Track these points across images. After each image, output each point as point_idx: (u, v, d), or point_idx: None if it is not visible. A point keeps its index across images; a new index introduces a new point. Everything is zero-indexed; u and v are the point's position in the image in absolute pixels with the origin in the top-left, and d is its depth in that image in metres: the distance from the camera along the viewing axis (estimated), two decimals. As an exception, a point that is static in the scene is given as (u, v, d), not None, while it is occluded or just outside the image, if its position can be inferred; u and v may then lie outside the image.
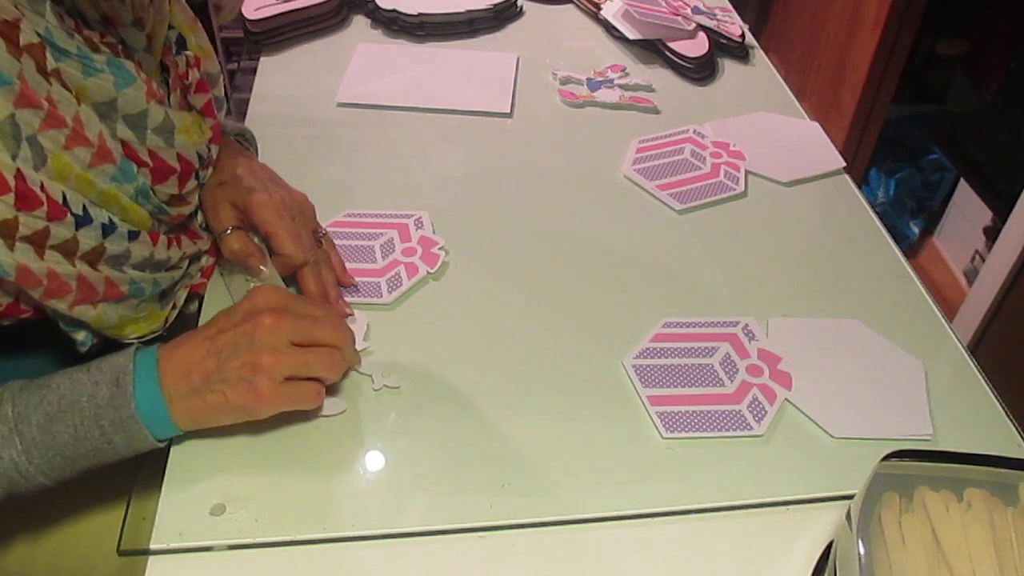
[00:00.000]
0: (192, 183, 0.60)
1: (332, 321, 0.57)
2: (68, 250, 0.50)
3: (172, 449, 0.54)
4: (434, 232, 0.74)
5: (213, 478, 0.53)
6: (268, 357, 0.51)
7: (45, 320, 0.53)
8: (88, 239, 0.51)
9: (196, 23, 0.63)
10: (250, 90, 0.96)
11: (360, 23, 1.11)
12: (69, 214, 0.49)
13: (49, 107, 0.47)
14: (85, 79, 0.50)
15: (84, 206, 0.51)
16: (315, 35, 1.06)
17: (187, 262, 0.64)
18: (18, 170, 0.46)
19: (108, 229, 0.52)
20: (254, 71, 0.99)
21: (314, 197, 0.70)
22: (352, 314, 0.66)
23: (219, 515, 0.51)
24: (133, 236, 0.55)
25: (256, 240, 0.65)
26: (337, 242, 0.71)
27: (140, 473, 0.54)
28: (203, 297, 0.67)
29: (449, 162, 0.86)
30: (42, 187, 0.47)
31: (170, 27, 0.60)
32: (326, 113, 0.92)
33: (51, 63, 0.48)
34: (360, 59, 1.01)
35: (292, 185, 0.70)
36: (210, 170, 0.65)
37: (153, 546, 0.49)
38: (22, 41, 0.46)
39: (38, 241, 0.48)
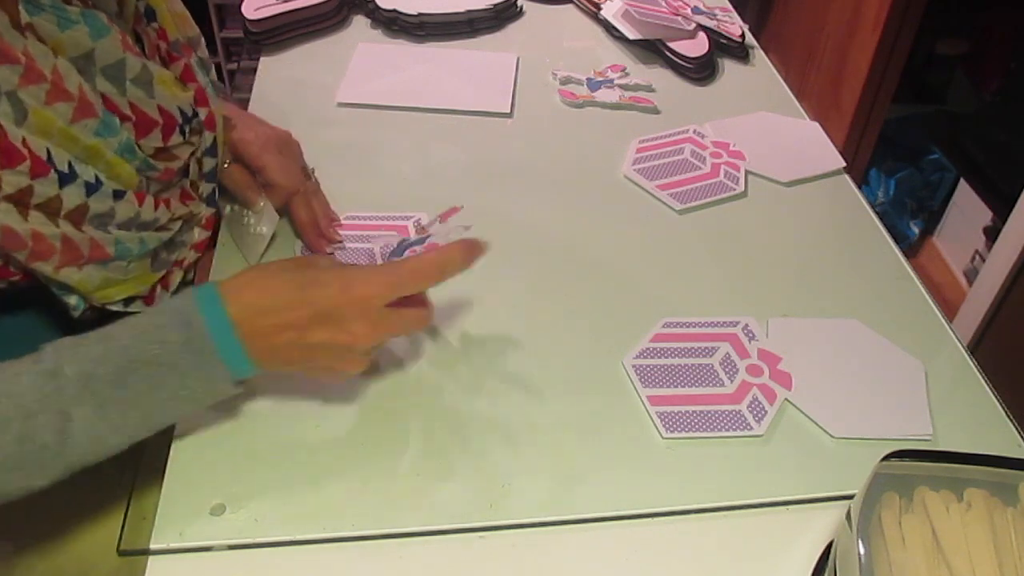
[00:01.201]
0: (177, 137, 0.59)
1: (418, 313, 0.57)
2: (52, 209, 0.50)
3: (172, 449, 0.55)
4: (434, 232, 0.74)
5: (213, 478, 0.53)
6: (357, 365, 0.54)
7: (37, 284, 0.52)
8: (72, 197, 0.50)
9: None
10: (250, 90, 0.96)
11: (360, 23, 1.11)
12: (53, 171, 0.49)
13: (27, 61, 0.47)
14: (61, 32, 0.49)
15: (69, 162, 0.50)
16: (315, 35, 1.06)
17: (179, 224, 0.63)
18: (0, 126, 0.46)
19: (92, 187, 0.52)
20: (254, 71, 0.99)
21: (314, 197, 0.70)
22: (342, 241, 0.70)
23: (219, 515, 0.51)
24: (119, 195, 0.54)
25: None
26: (336, 245, 0.72)
27: (140, 473, 0.54)
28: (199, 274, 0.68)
29: (449, 162, 0.86)
30: (24, 143, 0.47)
31: None
32: (326, 113, 0.92)
33: (25, 17, 0.47)
34: (360, 59, 1.01)
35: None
36: (205, 134, 0.65)
37: (153, 546, 0.50)
38: None
39: (22, 200, 0.48)
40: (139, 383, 0.47)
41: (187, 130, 0.60)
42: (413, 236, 0.71)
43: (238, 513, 0.51)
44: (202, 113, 0.63)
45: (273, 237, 0.70)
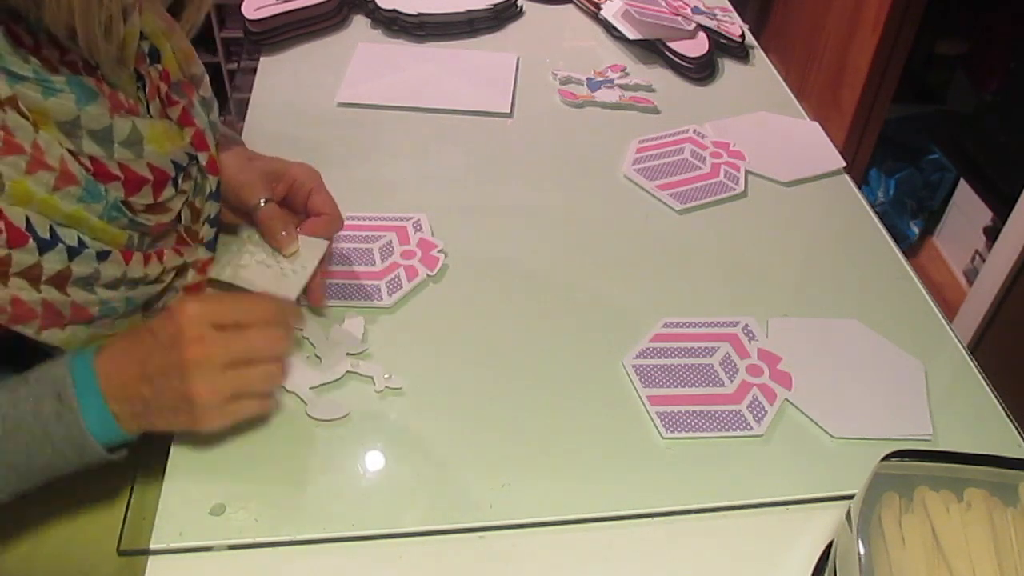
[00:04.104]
0: (169, 191, 0.59)
1: (263, 331, 0.53)
2: (32, 276, 0.49)
3: (172, 449, 0.55)
4: (433, 234, 0.74)
5: (213, 478, 0.53)
6: (202, 389, 0.49)
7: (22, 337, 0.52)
8: (53, 263, 0.50)
9: (174, 26, 0.62)
10: (250, 90, 0.96)
11: (360, 23, 1.11)
12: (32, 239, 0.48)
13: (4, 135, 0.47)
14: (45, 100, 0.49)
15: (51, 228, 0.50)
16: (315, 35, 1.06)
17: (172, 275, 0.61)
18: None
19: (75, 251, 0.51)
20: (254, 71, 0.99)
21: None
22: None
23: (219, 515, 0.51)
24: (103, 256, 0.53)
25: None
26: (336, 245, 0.72)
27: (140, 473, 0.54)
28: None
29: (449, 162, 0.86)
30: (1, 214, 0.47)
31: (143, 37, 0.59)
32: (326, 113, 0.92)
33: (5, 91, 0.47)
34: (360, 59, 1.01)
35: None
36: (209, 179, 0.64)
37: (153, 546, 0.50)
38: None
39: (0, 269, 0.47)
40: (16, 451, 0.48)
41: (179, 180, 0.60)
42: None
43: (238, 513, 0.51)
44: (202, 158, 0.62)
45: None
